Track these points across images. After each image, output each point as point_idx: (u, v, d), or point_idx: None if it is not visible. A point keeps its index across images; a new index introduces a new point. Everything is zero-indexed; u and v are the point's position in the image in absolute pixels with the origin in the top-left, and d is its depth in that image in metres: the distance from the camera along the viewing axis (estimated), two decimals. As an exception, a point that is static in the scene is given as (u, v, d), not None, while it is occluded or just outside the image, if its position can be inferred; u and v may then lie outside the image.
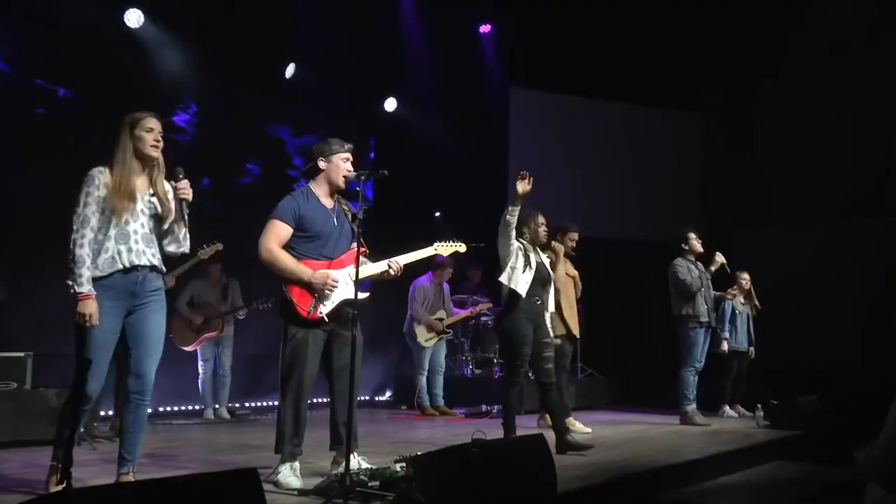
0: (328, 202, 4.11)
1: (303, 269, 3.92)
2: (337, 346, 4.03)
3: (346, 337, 3.91)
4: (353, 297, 3.87)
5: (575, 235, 6.73)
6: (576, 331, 6.66)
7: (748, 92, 9.96)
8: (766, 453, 5.76)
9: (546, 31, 9.56)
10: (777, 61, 9.53)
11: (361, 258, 3.97)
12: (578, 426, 6.35)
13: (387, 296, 5.91)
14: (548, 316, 5.45)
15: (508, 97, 10.04)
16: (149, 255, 3.61)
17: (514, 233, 5.21)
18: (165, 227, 3.69)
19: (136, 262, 3.56)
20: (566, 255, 6.76)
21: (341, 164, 4.07)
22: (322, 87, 8.62)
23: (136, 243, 3.58)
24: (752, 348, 8.02)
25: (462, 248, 4.63)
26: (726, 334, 7.83)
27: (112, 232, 3.54)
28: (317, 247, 4.00)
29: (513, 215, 5.16)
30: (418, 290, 8.08)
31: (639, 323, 10.22)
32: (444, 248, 4.49)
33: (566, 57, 9.57)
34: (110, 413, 6.14)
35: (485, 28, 10.20)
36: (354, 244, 4.01)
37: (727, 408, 7.82)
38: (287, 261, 3.92)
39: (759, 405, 6.98)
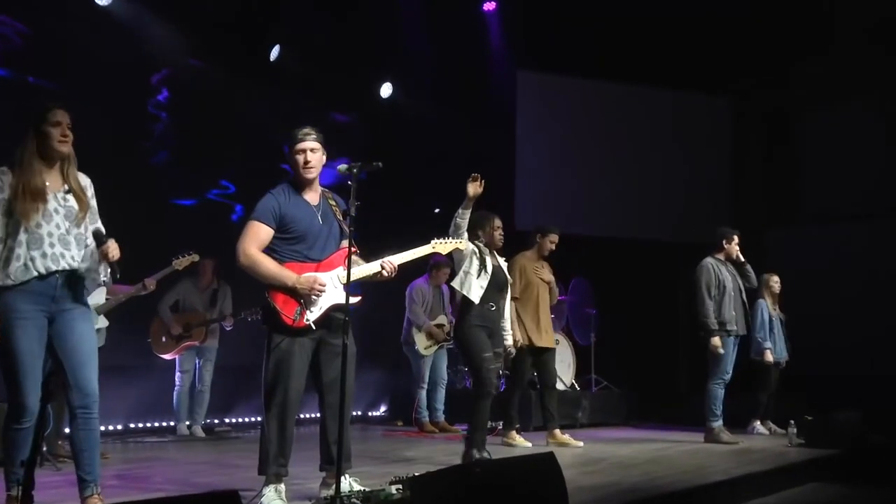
0: (312, 198, 4.10)
1: (286, 274, 3.92)
2: (326, 357, 4.02)
3: (336, 346, 3.91)
4: (343, 301, 3.89)
5: (555, 237, 6.86)
6: (546, 342, 6.78)
7: (783, 76, 9.95)
8: (801, 475, 5.75)
9: (556, 8, 9.56)
10: (816, 44, 9.50)
11: (352, 259, 3.96)
12: (568, 439, 6.60)
13: (380, 300, 5.93)
14: (507, 323, 5.69)
15: (515, 81, 10.04)
16: (67, 259, 3.60)
17: (465, 235, 5.32)
18: (81, 228, 3.66)
19: (53, 267, 3.55)
20: (542, 258, 6.92)
21: (297, 158, 4.03)
22: (310, 71, 8.62)
23: (52, 247, 3.56)
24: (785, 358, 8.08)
25: (463, 244, 4.70)
26: (768, 343, 7.85)
27: (22, 237, 3.51)
28: (301, 248, 4.00)
29: (463, 218, 5.30)
30: (416, 293, 8.06)
31: (659, 331, 10.21)
32: (443, 246, 4.52)
33: (579, 36, 9.56)
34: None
35: (489, 5, 10.19)
36: (344, 243, 4.01)
37: (757, 424, 7.82)
38: (268, 265, 3.92)
39: (792, 421, 6.96)
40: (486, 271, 5.44)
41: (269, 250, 3.97)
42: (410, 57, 9.39)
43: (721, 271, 7.05)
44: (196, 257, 6.25)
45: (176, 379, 7.28)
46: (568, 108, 10.31)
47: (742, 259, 7.21)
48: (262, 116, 8.13)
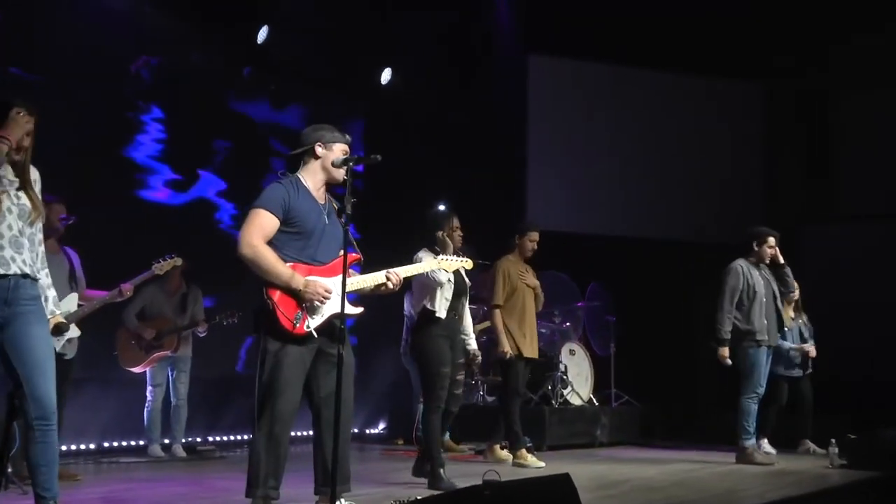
0: (320, 196, 4.14)
1: (294, 275, 3.92)
2: (324, 368, 4.02)
3: (334, 356, 3.91)
4: (347, 312, 3.91)
5: (535, 236, 6.89)
6: (532, 352, 6.85)
7: (821, 59, 9.90)
8: (843, 499, 5.71)
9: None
10: (859, 23, 9.44)
11: (353, 270, 4.01)
12: (531, 460, 6.63)
13: (377, 307, 5.92)
14: (468, 328, 5.93)
15: (526, 67, 10.01)
16: (19, 263, 3.61)
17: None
18: (34, 228, 3.68)
19: (2, 271, 3.56)
20: (526, 260, 6.95)
21: (340, 154, 4.11)
22: (302, 55, 8.60)
23: (2, 249, 3.58)
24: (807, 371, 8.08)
25: (468, 264, 4.80)
26: (810, 345, 7.91)
27: None
28: (304, 247, 4.02)
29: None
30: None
31: (685, 340, 10.18)
32: (448, 265, 4.66)
33: (595, 17, 9.55)
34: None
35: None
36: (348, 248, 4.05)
37: (764, 442, 7.73)
38: (274, 261, 3.91)
39: (833, 440, 6.93)
40: (449, 280, 5.52)
41: (271, 245, 3.96)
42: (413, 41, 9.37)
43: (752, 275, 7.03)
44: (179, 261, 6.24)
45: (147, 394, 7.25)
46: (584, 96, 10.29)
47: (781, 261, 7.17)
48: (249, 105, 8.12)
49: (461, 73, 9.63)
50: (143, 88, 7.95)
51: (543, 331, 8.75)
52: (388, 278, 4.14)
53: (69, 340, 5.72)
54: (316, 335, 3.93)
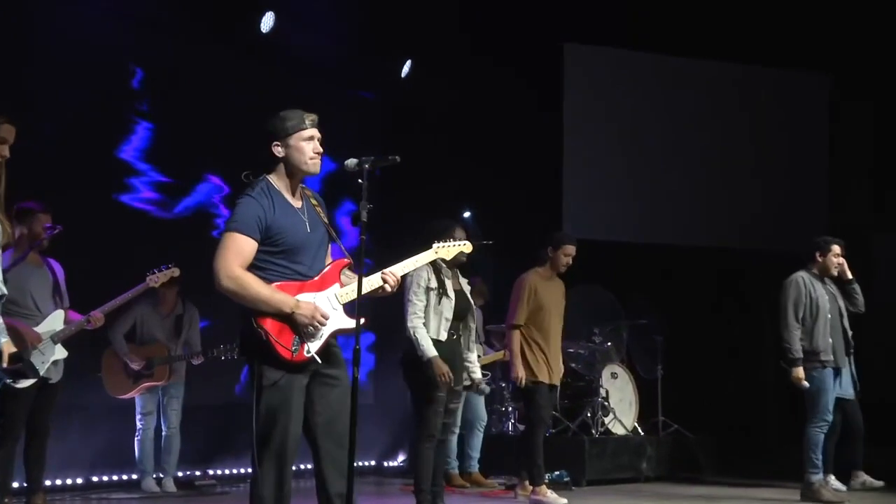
0: (296, 200, 4.05)
1: (281, 298, 3.87)
2: (319, 392, 3.96)
3: (331, 377, 3.93)
4: (344, 325, 3.94)
5: (571, 249, 6.83)
6: (555, 378, 6.87)
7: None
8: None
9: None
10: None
11: (347, 272, 3.99)
12: (551, 497, 6.65)
13: (397, 323, 5.91)
14: (473, 354, 5.99)
15: (561, 56, 9.97)
16: None
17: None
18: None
19: None
20: (559, 275, 6.94)
21: (304, 146, 3.97)
22: (311, 46, 8.60)
23: None
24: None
25: (467, 247, 4.76)
26: None
27: None
28: (289, 263, 3.96)
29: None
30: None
31: (743, 362, 10.08)
32: (446, 251, 4.59)
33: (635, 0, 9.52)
34: (24, 485, 6.13)
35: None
36: (330, 257, 4.07)
37: (831, 477, 7.60)
38: (259, 288, 3.85)
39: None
40: (447, 297, 5.54)
41: (252, 267, 3.91)
42: (436, 29, 9.35)
43: (814, 289, 7.00)
44: (177, 271, 6.24)
45: (137, 422, 7.25)
46: (626, 89, 10.24)
47: (849, 276, 7.07)
48: (252, 100, 8.11)
49: (488, 65, 9.58)
50: (135, 83, 7.99)
51: (582, 351, 8.71)
52: (384, 280, 4.07)
53: (55, 363, 5.73)
54: (319, 360, 3.91)
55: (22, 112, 3.75)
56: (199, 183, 8.44)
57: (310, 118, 4.00)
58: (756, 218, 10.02)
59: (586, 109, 10.13)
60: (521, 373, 6.63)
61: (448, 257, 4.65)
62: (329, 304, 3.96)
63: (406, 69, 9.60)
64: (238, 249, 3.86)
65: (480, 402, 8.21)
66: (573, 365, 8.70)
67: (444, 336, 5.58)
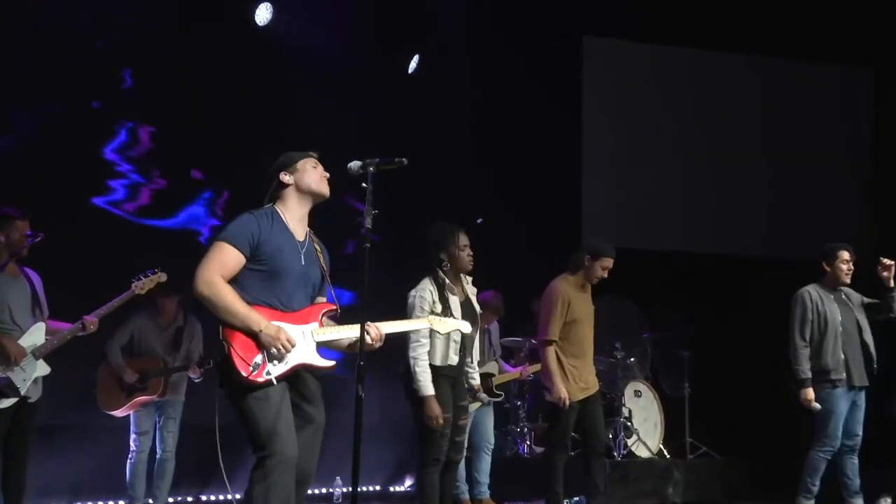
0: (299, 233, 4.23)
1: (251, 316, 4.01)
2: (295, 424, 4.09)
3: (305, 414, 4.10)
4: (315, 363, 4.08)
5: (609, 263, 6.68)
6: (592, 389, 6.73)
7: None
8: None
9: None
10: None
11: (329, 321, 4.16)
12: None
13: (399, 346, 5.90)
14: (474, 361, 5.90)
15: (581, 50, 9.96)
16: None
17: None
18: None
19: None
20: (591, 284, 6.81)
21: (311, 170, 4.23)
22: (311, 40, 8.61)
23: None
24: None
25: (466, 328, 4.89)
26: None
27: None
28: (271, 288, 4.11)
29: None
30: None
31: (775, 379, 10.01)
32: (441, 325, 4.69)
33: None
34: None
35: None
36: (321, 299, 4.24)
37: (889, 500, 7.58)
38: (232, 300, 4.01)
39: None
40: (450, 311, 5.51)
41: (233, 283, 4.06)
42: (445, 22, 9.36)
43: (822, 303, 6.98)
44: (163, 277, 6.25)
45: (131, 443, 7.21)
46: (649, 85, 10.26)
47: (892, 284, 6.99)
48: (249, 99, 8.13)
49: (502, 58, 9.58)
50: (123, 80, 8.01)
51: (602, 367, 8.67)
52: (367, 332, 4.11)
53: (35, 380, 5.72)
54: (275, 383, 3.99)
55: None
56: (191, 187, 8.46)
57: (314, 153, 4.28)
58: (791, 224, 10.02)
59: (606, 108, 10.15)
60: (563, 392, 6.42)
61: (442, 331, 4.77)
62: (301, 337, 4.09)
63: (413, 64, 9.60)
64: (222, 259, 4.05)
65: (488, 423, 8.12)
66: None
67: (454, 360, 5.56)
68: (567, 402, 6.45)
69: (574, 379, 6.57)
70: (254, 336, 3.98)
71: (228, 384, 4.01)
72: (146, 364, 7.11)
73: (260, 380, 3.97)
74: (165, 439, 7.27)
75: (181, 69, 8.16)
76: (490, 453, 8.18)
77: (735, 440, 9.25)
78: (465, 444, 6.10)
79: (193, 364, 7.16)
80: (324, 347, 4.16)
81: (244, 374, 3.94)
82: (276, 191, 4.25)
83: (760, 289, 9.71)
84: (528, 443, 8.87)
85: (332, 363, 4.15)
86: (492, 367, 8.06)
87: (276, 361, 4.00)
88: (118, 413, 7.10)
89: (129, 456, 7.22)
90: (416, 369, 5.49)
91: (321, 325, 4.12)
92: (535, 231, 9.41)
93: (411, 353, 5.52)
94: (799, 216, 10.07)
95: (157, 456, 7.29)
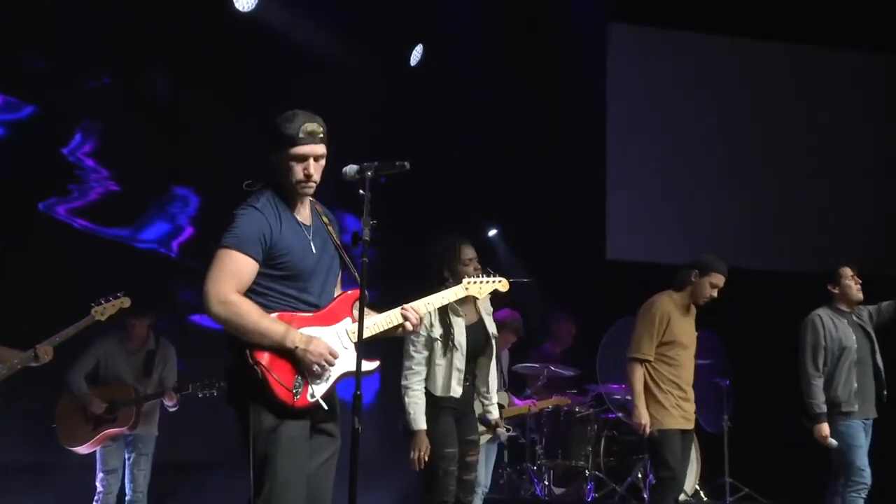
0: (304, 215, 4.12)
1: (284, 332, 3.88)
2: (313, 448, 4.02)
3: (327, 436, 4.01)
4: (353, 367, 3.91)
5: (720, 280, 6.65)
6: (690, 422, 6.71)
7: None
8: None
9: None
10: None
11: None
12: None
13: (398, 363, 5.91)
14: (493, 390, 5.91)
15: (605, 39, 9.98)
16: None
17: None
18: None
19: None
20: (696, 305, 6.77)
21: (294, 168, 3.98)
22: (303, 29, 8.64)
23: None
24: None
25: (503, 285, 4.84)
26: None
27: None
28: (294, 291, 4.00)
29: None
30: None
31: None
32: (478, 287, 4.71)
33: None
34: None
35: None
36: (340, 287, 4.11)
37: None
38: (257, 318, 3.87)
39: None
40: (455, 348, 5.50)
41: (250, 291, 3.95)
42: (453, 10, 9.37)
43: (836, 327, 7.02)
44: (126, 302, 6.26)
45: (97, 483, 7.21)
46: (685, 79, 10.26)
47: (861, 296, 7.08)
48: (233, 96, 8.14)
49: (519, 49, 9.60)
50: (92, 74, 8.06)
51: (630, 397, 8.62)
52: (405, 317, 4.11)
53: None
54: (325, 406, 3.92)
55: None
56: (161, 193, 8.51)
57: (309, 129, 3.95)
58: (843, 236, 10.04)
59: (632, 102, 10.13)
60: (644, 418, 6.39)
61: (480, 296, 4.77)
62: (339, 342, 4.00)
63: (417, 56, 9.61)
64: (235, 270, 3.91)
65: (490, 457, 8.07)
66: (620, 414, 8.67)
67: (458, 391, 5.51)
68: (647, 430, 6.40)
69: (671, 406, 6.51)
70: (289, 354, 3.87)
71: (257, 404, 3.86)
72: (115, 392, 7.11)
73: (307, 405, 3.90)
74: (136, 478, 7.27)
75: (152, 57, 8.20)
76: (483, 495, 8.13)
77: (779, 480, 9.26)
78: (477, 484, 6.05)
79: (169, 390, 7.16)
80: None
81: (286, 400, 3.85)
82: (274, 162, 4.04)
83: (805, 306, 9.70)
84: (547, 483, 8.84)
85: (375, 364, 4.01)
86: (501, 397, 8.02)
87: (318, 380, 3.93)
88: (82, 449, 7.09)
89: (95, 498, 7.24)
90: (407, 399, 5.44)
91: (353, 319, 3.99)
92: (553, 243, 9.41)
93: (403, 382, 5.48)
94: (852, 226, 10.09)
95: (127, 498, 7.30)
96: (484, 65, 9.51)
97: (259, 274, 3.94)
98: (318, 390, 3.91)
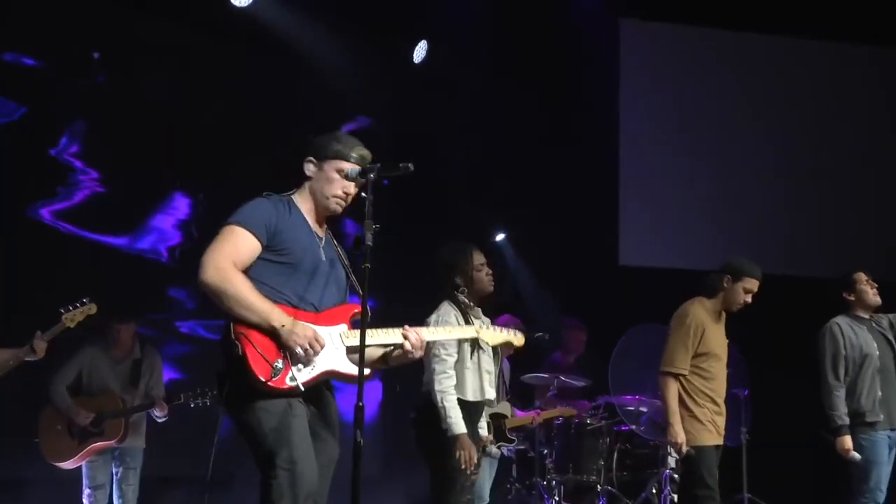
0: (318, 229, 4.23)
1: (272, 308, 3.94)
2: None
3: (320, 438, 4.04)
4: (343, 369, 4.02)
5: (754, 285, 6.55)
6: (721, 437, 6.60)
7: None
8: None
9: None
10: None
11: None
12: None
13: (413, 370, 5.90)
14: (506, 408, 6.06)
15: (617, 35, 10.00)
16: None
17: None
18: None
19: None
20: (728, 312, 6.67)
21: (335, 179, 4.12)
22: (304, 25, 8.65)
23: None
24: None
25: (518, 340, 4.83)
26: None
27: None
28: (290, 282, 4.07)
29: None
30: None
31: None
32: (489, 334, 4.74)
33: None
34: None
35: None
36: (352, 298, 4.20)
37: None
38: (248, 291, 3.93)
39: None
40: (480, 348, 5.57)
41: (246, 272, 4.00)
42: (459, 5, 9.37)
43: (857, 334, 7.02)
44: (93, 308, 6.28)
45: (83, 498, 7.19)
46: (703, 76, 10.27)
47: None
48: (231, 93, 8.15)
49: (527, 47, 9.60)
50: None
51: (644, 409, 8.67)
52: (405, 337, 4.13)
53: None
54: (303, 389, 3.93)
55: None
56: (152, 196, 8.53)
57: (362, 153, 4.18)
58: (868, 240, 10.05)
59: (645, 100, 10.14)
60: (680, 437, 6.27)
61: (491, 342, 4.84)
62: (329, 339, 4.04)
63: (421, 53, 9.61)
64: (235, 244, 4.02)
65: (484, 476, 8.04)
66: (634, 427, 8.65)
67: (491, 393, 5.62)
68: (683, 449, 6.30)
69: (706, 420, 6.42)
70: (274, 334, 3.91)
71: (236, 395, 3.93)
72: (101, 403, 7.10)
73: (283, 386, 3.91)
74: (125, 493, 7.27)
75: (145, 57, 8.21)
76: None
77: (800, 496, 9.23)
78: (479, 499, 6.11)
79: (160, 400, 7.15)
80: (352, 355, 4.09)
81: (263, 378, 3.87)
82: (297, 174, 4.21)
83: (827, 314, 9.68)
84: (557, 498, 8.81)
85: (365, 371, 4.01)
86: (504, 407, 8.01)
87: (301, 365, 3.95)
88: (68, 464, 7.09)
89: (83, 514, 7.23)
90: (446, 405, 5.47)
91: (350, 327, 4.08)
92: (563, 249, 9.40)
93: (437, 387, 5.50)
94: (879, 230, 10.10)
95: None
96: (490, 65, 9.52)
97: (260, 258, 4.02)
98: (299, 376, 3.95)
